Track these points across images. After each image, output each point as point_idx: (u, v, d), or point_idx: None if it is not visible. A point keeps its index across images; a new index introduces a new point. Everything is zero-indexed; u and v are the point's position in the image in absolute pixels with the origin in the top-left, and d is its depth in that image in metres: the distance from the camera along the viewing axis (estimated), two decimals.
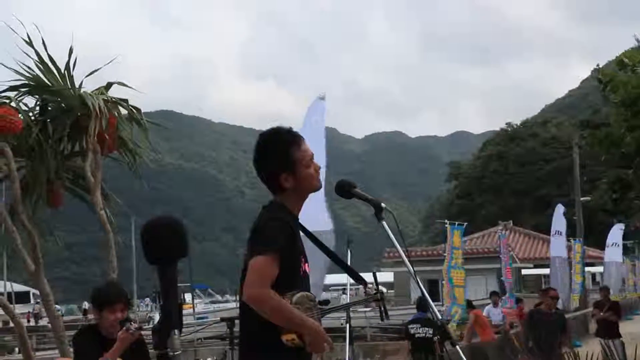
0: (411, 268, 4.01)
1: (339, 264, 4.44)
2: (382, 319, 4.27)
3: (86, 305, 57.10)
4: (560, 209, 27.82)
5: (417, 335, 13.05)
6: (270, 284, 3.65)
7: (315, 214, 9.40)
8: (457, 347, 4.05)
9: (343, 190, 4.12)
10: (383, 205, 4.00)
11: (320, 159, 10.04)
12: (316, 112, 10.79)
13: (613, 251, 34.57)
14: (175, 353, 2.69)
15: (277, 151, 3.97)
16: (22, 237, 7.04)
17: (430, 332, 12.54)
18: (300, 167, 3.97)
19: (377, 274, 5.06)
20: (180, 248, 2.76)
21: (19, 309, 45.65)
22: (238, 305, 4.04)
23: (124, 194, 8.19)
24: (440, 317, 4.02)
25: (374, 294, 4.18)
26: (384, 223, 4.02)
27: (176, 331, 2.68)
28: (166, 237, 2.79)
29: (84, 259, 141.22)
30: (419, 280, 4.12)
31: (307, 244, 4.17)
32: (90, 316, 50.07)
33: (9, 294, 42.99)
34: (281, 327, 3.68)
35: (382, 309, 4.28)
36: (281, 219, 3.85)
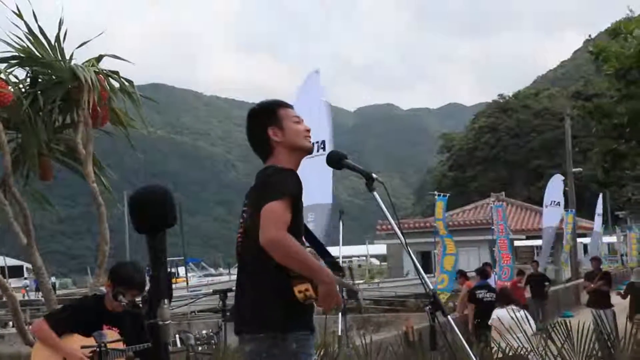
0: (402, 238, 4.01)
1: (319, 250, 4.36)
2: (359, 312, 4.24)
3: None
4: (558, 179, 28.00)
5: (485, 299, 14.32)
6: (287, 227, 3.58)
7: (319, 186, 9.41)
8: (449, 317, 4.06)
9: (334, 161, 4.13)
10: (374, 175, 3.99)
11: (324, 132, 10.06)
12: (311, 86, 10.78)
13: (598, 221, 35.03)
14: (165, 322, 2.69)
15: (264, 109, 4.06)
16: (14, 210, 7.04)
17: (494, 297, 13.86)
18: (287, 121, 4.00)
19: (370, 246, 5.03)
20: (167, 217, 2.76)
21: (12, 283, 45.57)
22: (235, 277, 3.93)
23: (116, 168, 8.19)
24: (431, 287, 4.02)
25: (350, 287, 4.14)
26: (375, 194, 4.01)
27: (166, 301, 2.68)
28: (153, 205, 2.79)
29: (77, 233, 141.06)
30: (410, 251, 4.12)
31: None
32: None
33: (2, 267, 42.94)
34: (293, 279, 3.60)
35: (357, 303, 4.28)
36: (289, 169, 3.84)
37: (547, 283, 21.48)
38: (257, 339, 3.72)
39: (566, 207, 32.80)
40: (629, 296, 15.57)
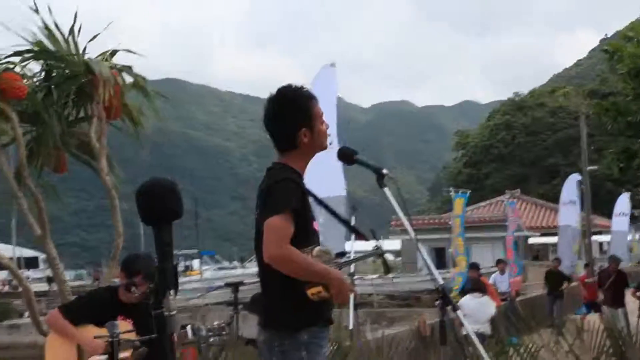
0: (412, 232, 4.03)
1: (342, 222, 4.47)
2: (385, 273, 4.33)
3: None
4: (574, 178, 27.94)
5: None
6: (289, 241, 3.65)
7: (330, 179, 9.44)
8: (459, 312, 4.08)
9: (345, 157, 4.15)
10: (385, 171, 4.01)
11: (332, 127, 10.08)
12: (325, 79, 10.69)
13: (620, 220, 34.57)
14: (171, 313, 2.72)
15: (299, 105, 3.97)
16: (29, 202, 7.09)
17: None
18: (317, 122, 3.99)
19: (385, 241, 5.08)
20: (173, 209, 2.79)
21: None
22: (258, 271, 4.00)
23: (131, 162, 8.24)
24: (441, 282, 4.04)
25: (375, 249, 4.21)
26: (386, 189, 4.03)
27: (172, 291, 2.71)
28: (159, 198, 2.83)
29: (91, 226, 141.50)
30: (421, 246, 4.14)
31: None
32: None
33: (18, 259, 43.04)
34: (305, 283, 3.68)
35: (384, 262, 4.32)
36: (292, 179, 3.85)
37: (565, 282, 21.30)
38: (270, 331, 3.85)
39: (581, 205, 32.71)
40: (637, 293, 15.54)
